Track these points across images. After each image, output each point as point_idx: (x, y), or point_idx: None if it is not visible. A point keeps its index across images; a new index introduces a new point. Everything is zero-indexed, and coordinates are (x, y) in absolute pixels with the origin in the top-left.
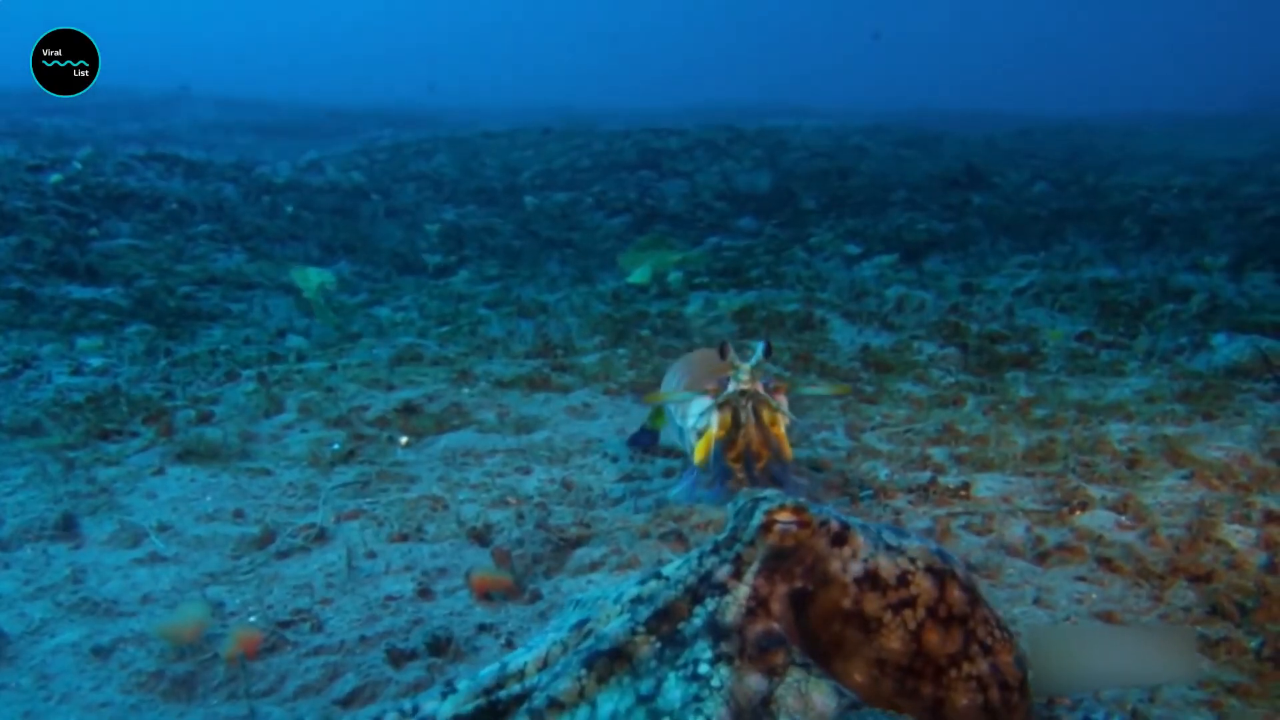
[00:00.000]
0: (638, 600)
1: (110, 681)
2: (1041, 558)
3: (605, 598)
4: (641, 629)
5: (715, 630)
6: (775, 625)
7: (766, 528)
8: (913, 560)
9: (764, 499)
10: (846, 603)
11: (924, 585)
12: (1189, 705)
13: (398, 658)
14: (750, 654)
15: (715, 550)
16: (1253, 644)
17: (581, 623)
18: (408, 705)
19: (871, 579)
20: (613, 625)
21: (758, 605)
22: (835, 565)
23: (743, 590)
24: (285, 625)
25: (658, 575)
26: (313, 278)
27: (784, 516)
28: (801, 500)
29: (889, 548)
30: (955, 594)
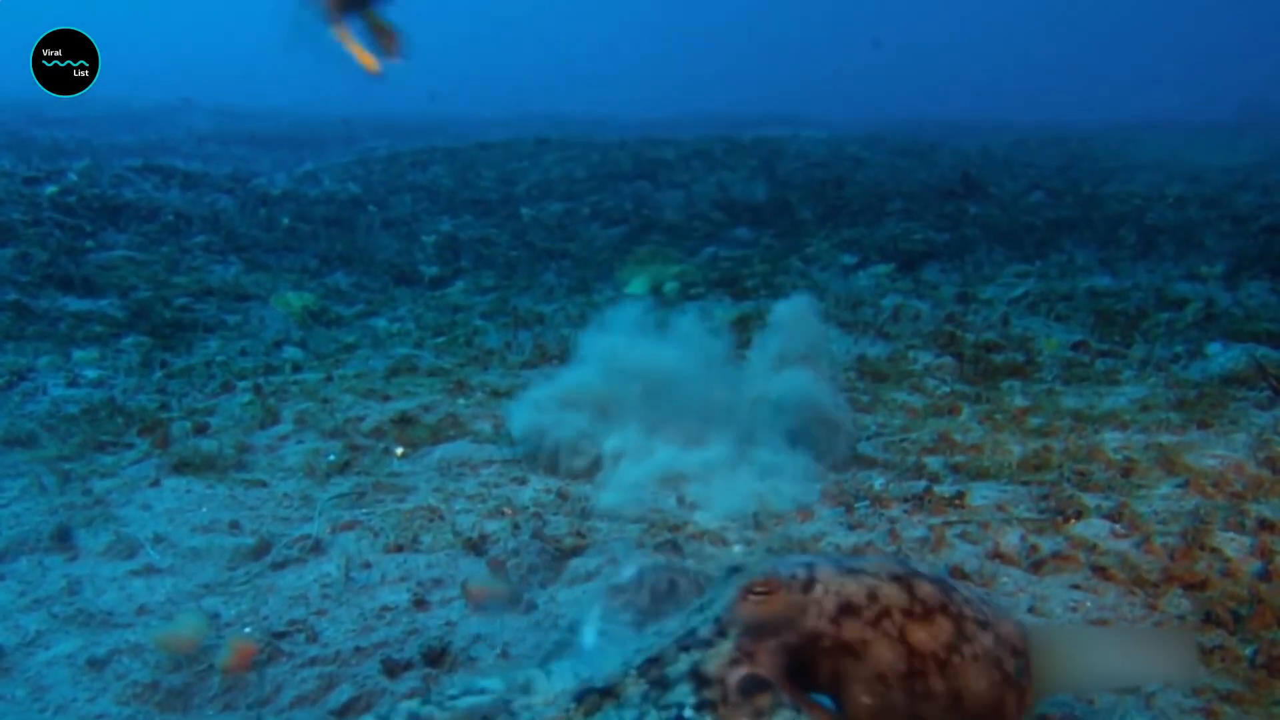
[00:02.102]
0: (638, 650)
1: (106, 693)
2: (1036, 566)
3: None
4: (634, 672)
5: (698, 677)
6: (760, 671)
7: (741, 599)
8: (875, 575)
9: (739, 571)
10: (828, 641)
11: (891, 592)
12: (1184, 713)
13: (393, 668)
14: (733, 700)
15: (700, 609)
16: (1247, 651)
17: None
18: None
19: (845, 608)
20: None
21: (743, 656)
22: (811, 612)
23: (726, 645)
24: (281, 636)
25: (659, 632)
26: (294, 302)
27: (759, 589)
28: (771, 571)
29: (851, 570)
30: (924, 589)
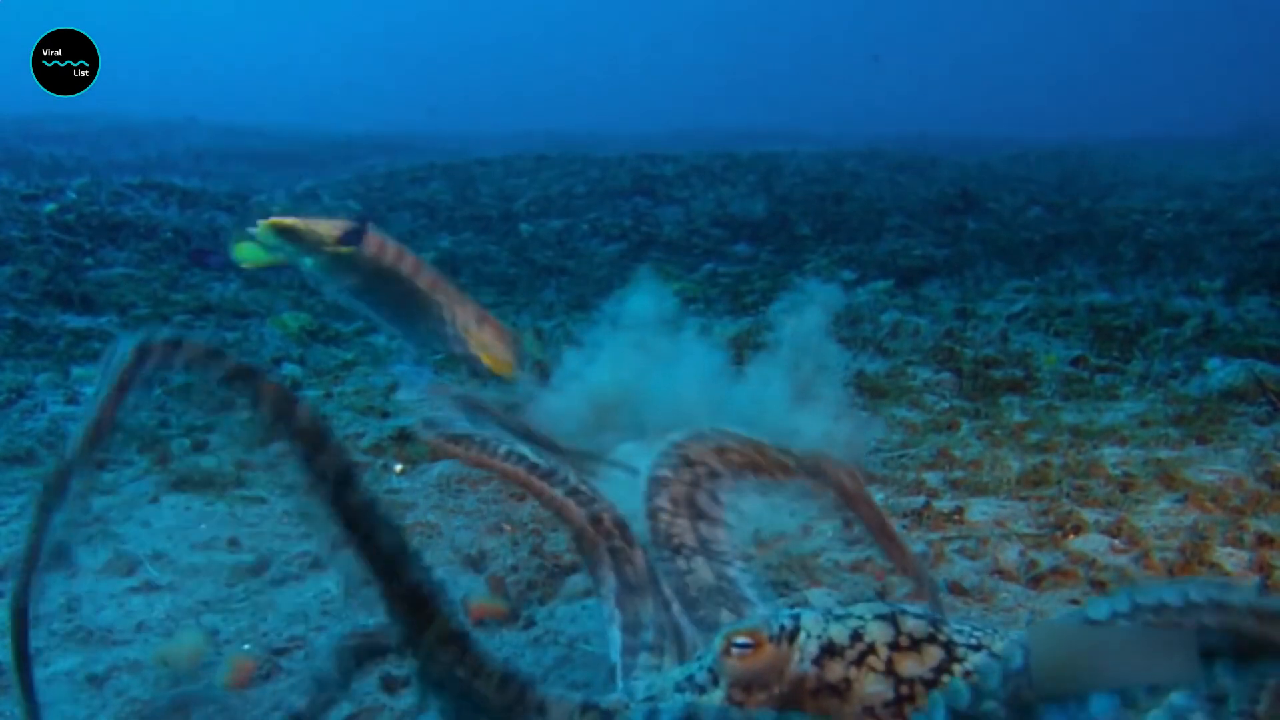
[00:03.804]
0: (646, 687)
1: (105, 710)
2: (1035, 581)
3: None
4: (635, 704)
5: (690, 716)
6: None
7: (725, 650)
8: (860, 617)
9: (728, 627)
10: (812, 683)
11: (876, 630)
12: None
13: (392, 684)
14: None
15: (699, 657)
16: None
17: None
18: None
19: (828, 649)
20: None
21: (732, 705)
22: (794, 659)
23: (718, 694)
24: (280, 653)
25: (664, 675)
26: (290, 323)
27: (740, 639)
28: (760, 625)
29: (838, 616)
30: (911, 624)
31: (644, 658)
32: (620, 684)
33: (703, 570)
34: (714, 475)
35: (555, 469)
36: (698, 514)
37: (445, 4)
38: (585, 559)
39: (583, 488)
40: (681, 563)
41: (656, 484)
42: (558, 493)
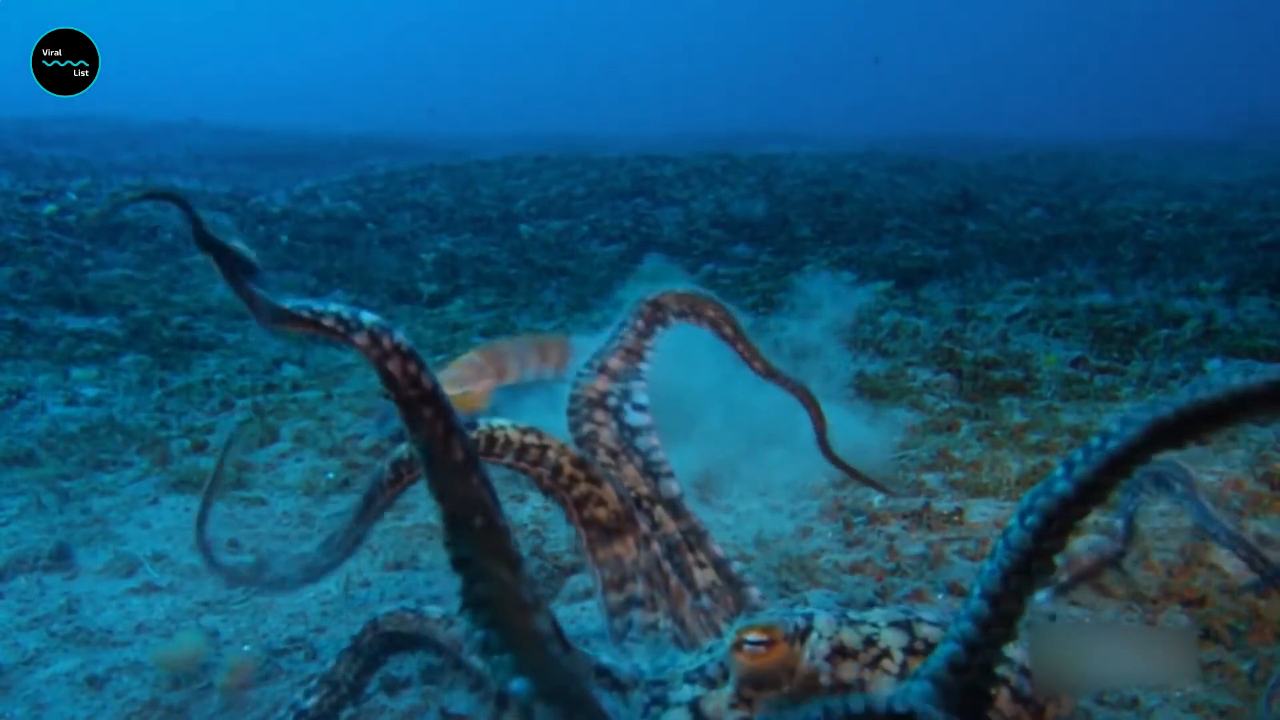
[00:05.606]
0: (656, 669)
1: (105, 711)
2: None
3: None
4: (643, 683)
5: (696, 712)
6: (754, 716)
7: (736, 646)
8: (875, 625)
9: (741, 621)
10: (825, 679)
11: (890, 635)
12: None
13: (392, 685)
14: None
15: (711, 649)
16: (1245, 667)
17: None
18: None
19: (840, 651)
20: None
21: (741, 703)
22: (805, 657)
23: (727, 690)
24: (280, 654)
25: (673, 660)
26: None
27: (753, 635)
28: (775, 622)
29: (851, 621)
30: (925, 629)
31: (637, 616)
32: (609, 648)
33: (666, 522)
34: (620, 394)
35: (495, 436)
36: (630, 436)
37: (445, 5)
38: (563, 512)
39: (529, 440)
40: (644, 518)
41: (590, 442)
42: (507, 460)
